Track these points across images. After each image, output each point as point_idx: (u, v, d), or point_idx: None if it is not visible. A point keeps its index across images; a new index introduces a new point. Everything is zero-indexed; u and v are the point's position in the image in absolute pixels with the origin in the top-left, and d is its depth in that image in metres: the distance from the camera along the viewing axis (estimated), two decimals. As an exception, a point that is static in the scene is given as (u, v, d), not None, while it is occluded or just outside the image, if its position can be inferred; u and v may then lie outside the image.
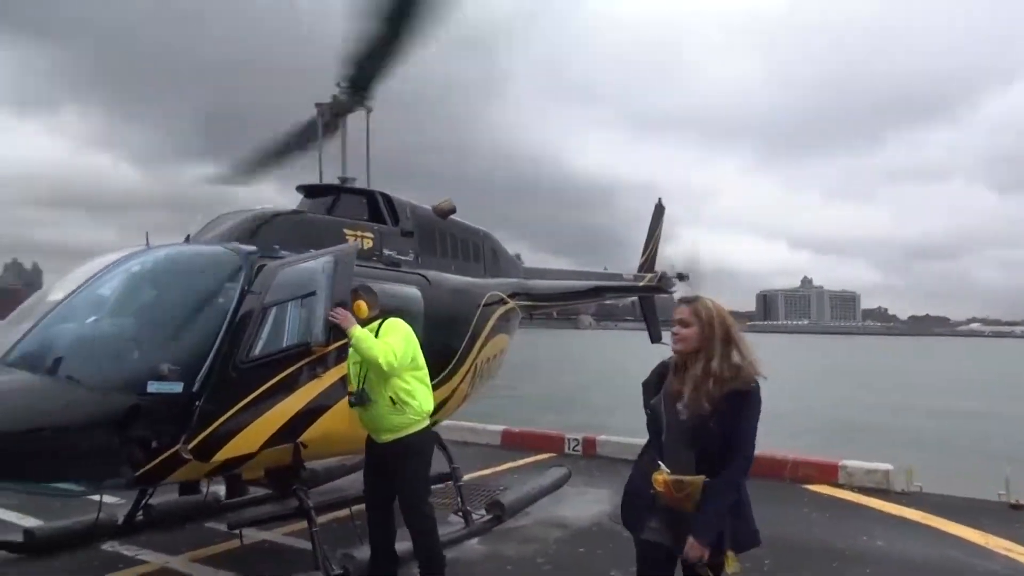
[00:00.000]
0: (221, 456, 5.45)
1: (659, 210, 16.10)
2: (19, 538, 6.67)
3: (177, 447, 5.21)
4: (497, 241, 10.06)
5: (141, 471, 5.26)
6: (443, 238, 8.65)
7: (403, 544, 5.84)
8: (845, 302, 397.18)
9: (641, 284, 14.80)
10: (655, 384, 3.82)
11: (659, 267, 15.52)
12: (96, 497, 6.19)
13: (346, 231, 7.14)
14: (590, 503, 8.41)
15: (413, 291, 7.28)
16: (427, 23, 6.77)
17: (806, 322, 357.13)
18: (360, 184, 8.11)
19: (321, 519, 6.45)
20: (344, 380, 5.89)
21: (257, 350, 5.60)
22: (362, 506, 6.03)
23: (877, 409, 30.82)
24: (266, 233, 6.51)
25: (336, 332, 5.64)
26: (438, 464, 7.36)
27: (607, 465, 10.22)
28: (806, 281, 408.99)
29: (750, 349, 3.67)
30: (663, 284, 15.03)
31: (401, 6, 6.64)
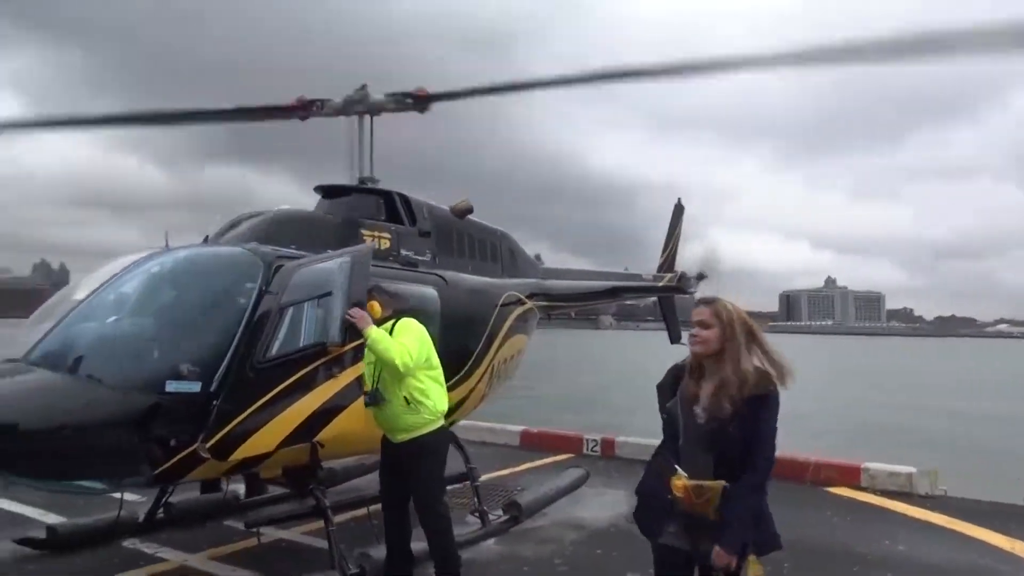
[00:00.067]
0: (238, 455, 5.48)
1: (678, 210, 16.01)
2: (42, 535, 6.77)
3: (195, 446, 5.25)
4: (515, 241, 10.04)
5: (160, 469, 5.31)
6: (460, 238, 8.64)
7: (419, 544, 5.84)
8: (870, 303, 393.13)
9: (660, 284, 14.71)
10: (670, 387, 3.78)
11: (679, 267, 15.42)
12: (118, 495, 6.25)
13: (363, 231, 7.15)
14: (608, 504, 8.36)
15: (430, 291, 7.28)
16: None
17: (830, 323, 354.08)
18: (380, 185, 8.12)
19: (338, 518, 6.47)
20: (360, 380, 5.90)
21: (274, 350, 5.63)
22: (379, 506, 6.04)
23: (901, 411, 30.46)
24: (284, 234, 6.54)
25: (352, 332, 5.65)
26: (455, 464, 7.38)
27: (626, 466, 10.16)
28: (830, 281, 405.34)
29: (776, 351, 3.63)
30: (682, 284, 14.91)
31: None
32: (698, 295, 14.42)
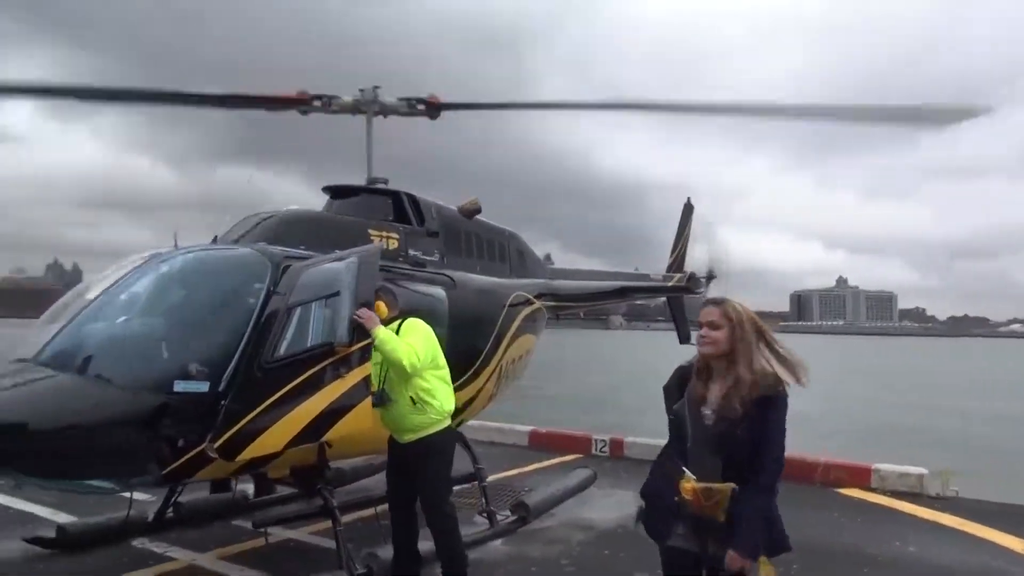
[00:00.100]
0: (246, 455, 5.49)
1: (688, 210, 15.97)
2: (52, 534, 6.81)
3: (203, 446, 5.27)
4: (523, 241, 10.04)
5: (168, 469, 5.33)
6: (469, 238, 8.65)
7: (426, 544, 5.85)
8: (881, 302, 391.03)
9: (669, 284, 14.68)
10: (677, 389, 3.75)
11: (688, 267, 15.38)
12: (127, 494, 6.29)
13: (371, 232, 7.15)
14: (616, 505, 8.35)
15: (438, 291, 7.29)
16: None
17: (841, 323, 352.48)
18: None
19: (346, 518, 6.50)
20: (368, 380, 5.91)
21: (282, 350, 5.65)
22: (387, 506, 6.05)
23: (912, 411, 30.25)
24: (292, 234, 6.56)
25: (360, 332, 5.66)
26: (463, 464, 7.38)
27: (634, 467, 10.12)
28: (841, 281, 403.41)
29: (788, 350, 3.61)
30: (692, 284, 14.89)
31: None
32: (708, 295, 14.40)
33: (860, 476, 9.74)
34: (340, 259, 6.01)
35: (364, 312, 5.63)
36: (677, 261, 15.50)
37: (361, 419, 5.98)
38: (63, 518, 7.36)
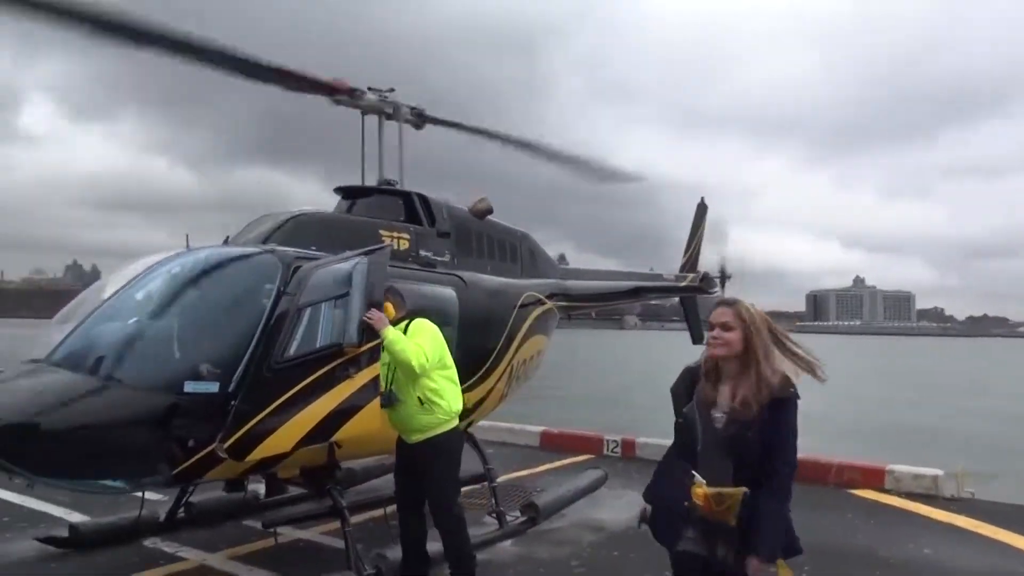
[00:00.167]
0: (256, 455, 5.51)
1: (701, 209, 15.90)
2: (64, 533, 6.86)
3: (213, 446, 5.30)
4: (535, 241, 10.02)
5: (178, 469, 5.36)
6: (480, 239, 8.64)
7: (435, 544, 5.85)
8: (899, 302, 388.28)
9: (682, 284, 14.62)
10: (686, 391, 3.71)
11: (701, 267, 15.32)
12: (139, 494, 6.32)
13: (382, 232, 7.17)
14: (627, 506, 8.30)
15: (448, 292, 7.29)
16: None
17: (858, 323, 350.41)
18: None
19: (356, 519, 6.52)
20: (377, 381, 5.91)
21: (291, 351, 5.67)
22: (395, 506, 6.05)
23: (929, 412, 29.99)
24: (303, 234, 6.58)
25: (369, 333, 5.67)
26: (473, 465, 7.38)
27: (646, 467, 9.93)
28: (858, 281, 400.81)
29: (803, 348, 3.57)
30: (705, 284, 14.82)
31: None
32: (723, 295, 14.33)
33: (874, 477, 9.65)
34: (350, 260, 6.02)
35: (373, 313, 5.64)
36: (691, 261, 15.43)
37: (370, 420, 5.99)
38: (76, 517, 7.42)
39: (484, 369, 7.80)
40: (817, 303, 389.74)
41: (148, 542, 6.97)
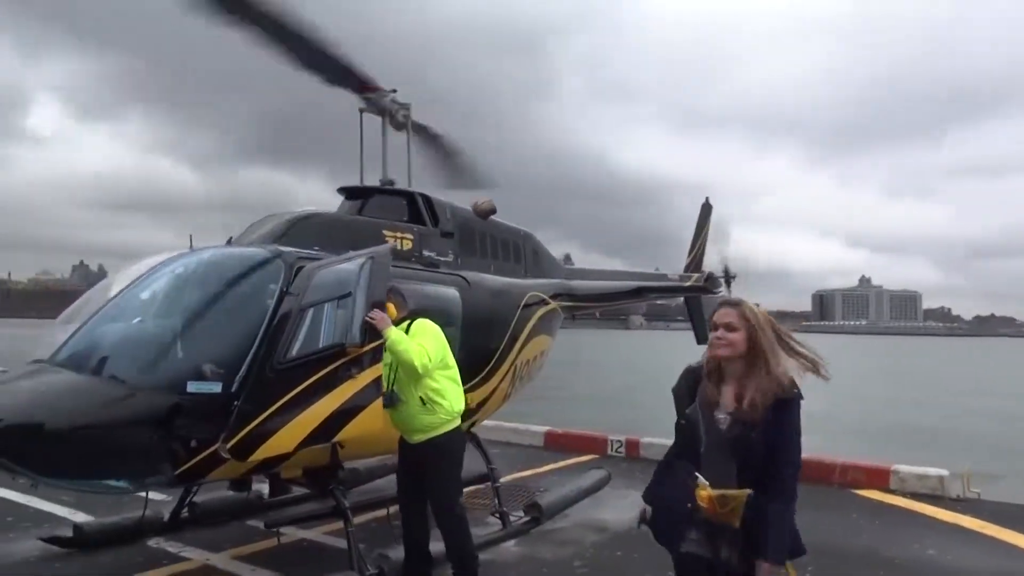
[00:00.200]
0: (258, 455, 5.51)
1: (706, 209, 15.89)
2: (68, 533, 6.87)
3: (216, 446, 5.30)
4: (539, 242, 10.01)
5: (181, 469, 5.36)
6: (483, 239, 8.64)
7: (438, 545, 5.85)
8: (905, 302, 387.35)
9: (687, 284, 14.61)
10: (688, 392, 3.66)
11: (706, 267, 15.31)
12: (143, 494, 6.34)
13: (385, 232, 7.16)
14: (631, 506, 8.21)
15: (452, 292, 7.29)
16: None
17: (864, 322, 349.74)
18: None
19: (360, 519, 6.53)
20: (379, 381, 5.91)
21: (294, 351, 5.66)
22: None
23: (934, 412, 29.89)
24: (306, 235, 6.59)
25: (372, 333, 5.67)
26: (477, 465, 7.38)
27: (650, 468, 9.79)
28: (864, 280, 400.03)
29: (807, 346, 3.54)
30: (709, 284, 14.80)
31: None
32: (727, 295, 14.29)
33: (879, 477, 9.62)
34: (352, 260, 6.02)
35: (376, 313, 5.64)
36: (695, 261, 15.43)
37: (373, 420, 5.99)
38: (81, 517, 7.44)
39: (487, 369, 7.80)
40: (823, 303, 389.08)
41: (152, 542, 6.99)
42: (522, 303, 8.60)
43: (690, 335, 14.60)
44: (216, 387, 5.32)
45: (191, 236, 6.48)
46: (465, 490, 7.14)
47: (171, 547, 6.89)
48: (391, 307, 5.78)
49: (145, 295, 5.90)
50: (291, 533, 7.13)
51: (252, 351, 5.51)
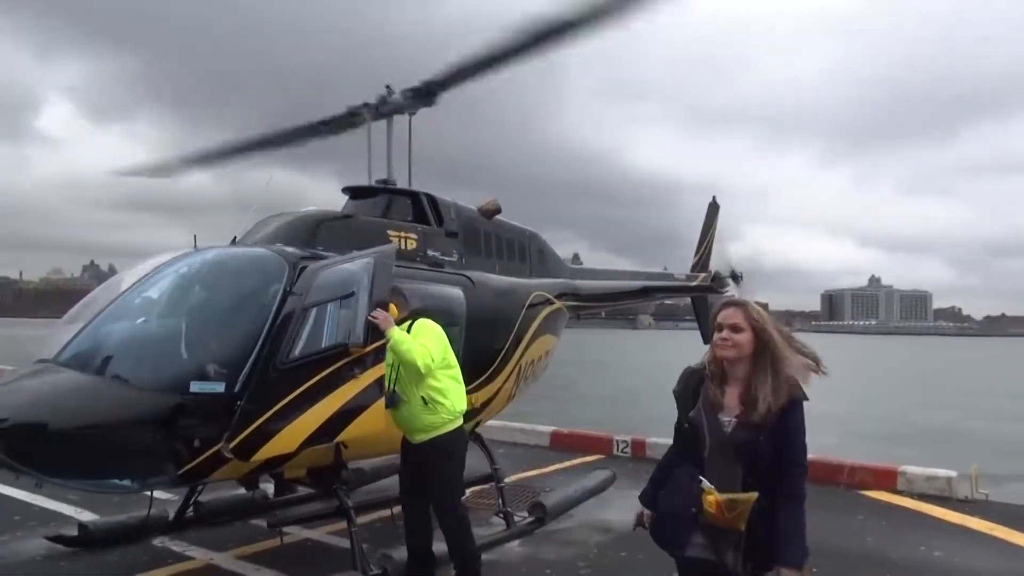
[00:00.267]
0: (261, 455, 5.51)
1: (713, 208, 15.83)
2: (74, 532, 6.90)
3: (219, 446, 5.31)
4: (544, 241, 9.99)
5: (184, 469, 5.38)
6: (488, 238, 8.62)
7: (441, 545, 5.85)
8: (916, 302, 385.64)
9: (693, 284, 14.55)
10: (691, 395, 3.59)
11: (712, 267, 15.24)
12: (148, 493, 6.35)
13: (390, 232, 7.16)
14: (635, 507, 8.26)
15: (456, 292, 7.28)
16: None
17: (874, 322, 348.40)
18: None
19: (364, 519, 6.53)
20: (382, 381, 5.91)
21: (297, 351, 5.66)
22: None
23: (943, 413, 29.75)
24: (310, 235, 6.60)
25: (375, 333, 5.67)
26: (481, 465, 7.37)
27: None
28: (874, 280, 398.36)
29: (807, 345, 3.51)
30: (716, 284, 14.74)
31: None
32: (730, 296, 14.22)
33: (886, 478, 9.56)
34: (356, 260, 6.02)
35: (379, 313, 5.64)
36: (702, 260, 15.36)
37: (376, 420, 5.99)
38: (87, 516, 7.46)
39: (492, 369, 7.78)
40: (832, 302, 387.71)
41: (157, 541, 7.00)
42: (527, 303, 8.58)
43: (698, 335, 14.55)
44: (219, 387, 5.33)
45: (195, 236, 6.50)
46: (469, 490, 7.15)
47: (176, 546, 6.91)
48: (392, 307, 5.78)
49: (149, 295, 5.92)
50: (295, 533, 7.16)
51: (255, 351, 5.52)
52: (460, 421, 5.76)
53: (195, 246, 6.37)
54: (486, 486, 7.72)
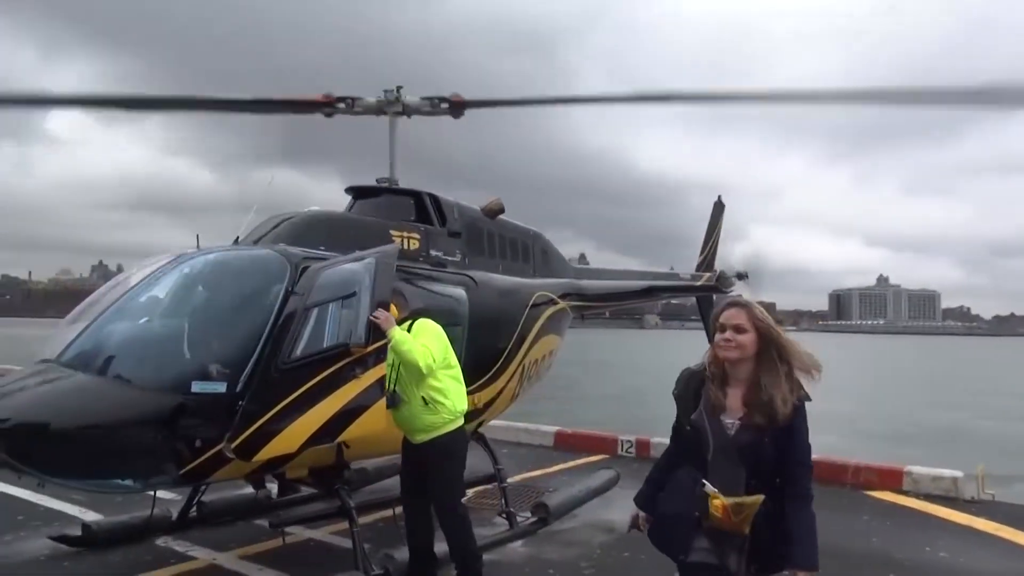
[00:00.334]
0: (263, 455, 5.51)
1: (718, 208, 15.81)
2: (77, 532, 6.91)
3: (220, 446, 5.31)
4: (548, 241, 9.98)
5: (186, 469, 5.39)
6: (491, 238, 8.61)
7: (442, 545, 5.84)
8: (924, 301, 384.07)
9: (698, 284, 14.51)
10: (692, 397, 3.53)
11: (718, 266, 15.19)
12: (151, 493, 6.36)
13: (392, 232, 7.16)
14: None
15: (458, 292, 7.27)
16: None
17: (881, 322, 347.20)
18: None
19: (367, 519, 6.54)
20: (384, 381, 5.90)
21: (299, 351, 5.65)
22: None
23: (950, 413, 29.61)
24: (313, 235, 6.60)
25: (376, 333, 5.66)
26: (484, 465, 7.37)
27: None
28: (882, 279, 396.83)
29: (801, 344, 3.49)
30: (721, 283, 14.69)
31: None
32: (733, 296, 14.14)
33: (892, 479, 9.52)
34: (358, 260, 6.02)
35: (380, 313, 5.64)
36: (707, 260, 15.33)
37: (377, 420, 5.97)
38: (91, 516, 7.47)
39: (495, 369, 7.77)
40: (840, 302, 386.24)
41: (160, 541, 7.01)
42: (530, 303, 8.56)
43: (704, 335, 14.50)
44: (221, 387, 5.34)
45: (197, 236, 6.51)
46: (473, 490, 7.13)
47: (179, 546, 6.92)
48: (392, 307, 5.77)
49: (151, 295, 5.93)
50: (298, 533, 7.16)
51: (257, 351, 5.52)
52: (461, 421, 5.75)
53: (198, 246, 6.38)
54: (489, 486, 7.71)
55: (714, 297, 14.77)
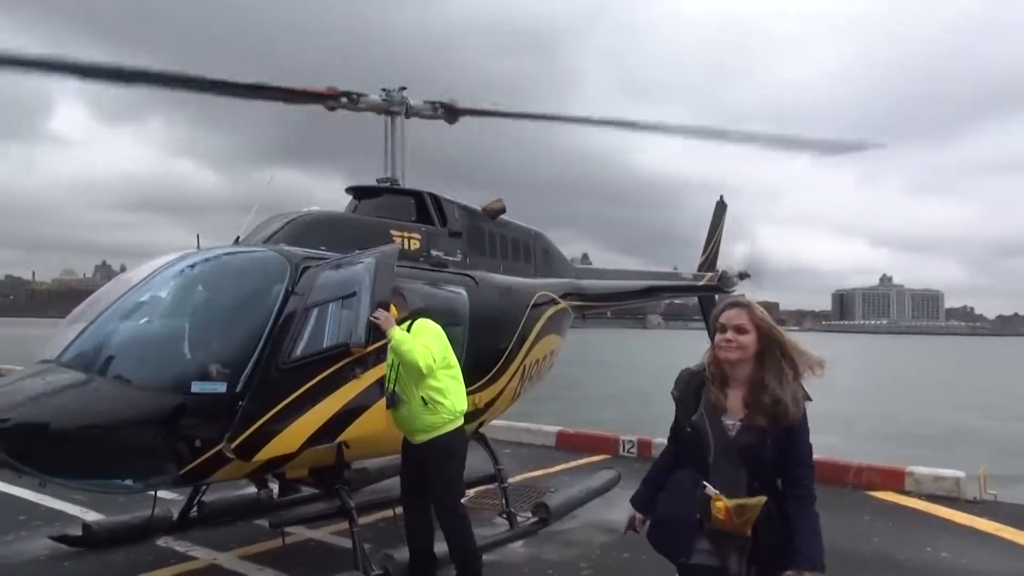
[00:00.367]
0: (263, 455, 5.50)
1: (720, 207, 15.76)
2: (78, 532, 6.92)
3: (220, 446, 5.31)
4: (549, 241, 9.97)
5: (186, 469, 5.39)
6: (492, 238, 8.60)
7: (442, 545, 5.84)
8: (927, 301, 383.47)
9: (700, 284, 14.48)
10: (692, 398, 3.50)
11: (720, 266, 15.16)
12: (152, 493, 6.36)
13: (393, 232, 7.16)
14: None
15: (459, 292, 7.27)
16: None
17: (885, 322, 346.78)
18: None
19: (367, 519, 6.53)
20: (384, 381, 5.90)
21: (299, 351, 5.65)
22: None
23: (953, 413, 29.55)
24: (313, 235, 6.60)
25: (376, 333, 5.66)
26: (485, 465, 7.36)
27: None
28: (885, 279, 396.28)
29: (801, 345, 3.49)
30: (723, 283, 14.65)
31: None
32: (734, 296, 14.10)
33: (893, 479, 9.50)
34: (358, 260, 6.02)
35: (380, 313, 5.63)
36: (709, 260, 15.29)
37: (377, 420, 5.95)
38: (92, 516, 7.48)
39: (496, 369, 7.76)
40: (843, 302, 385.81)
41: (161, 541, 7.01)
42: (531, 303, 8.55)
43: (707, 335, 14.45)
44: (221, 387, 5.35)
45: (198, 236, 6.51)
46: (473, 490, 7.12)
47: (179, 546, 6.92)
48: (392, 307, 5.77)
49: (151, 295, 5.92)
50: (299, 533, 7.16)
51: (257, 351, 5.52)
52: (460, 421, 5.75)
53: (198, 246, 6.38)
54: (490, 486, 7.70)
55: (716, 297, 14.77)
